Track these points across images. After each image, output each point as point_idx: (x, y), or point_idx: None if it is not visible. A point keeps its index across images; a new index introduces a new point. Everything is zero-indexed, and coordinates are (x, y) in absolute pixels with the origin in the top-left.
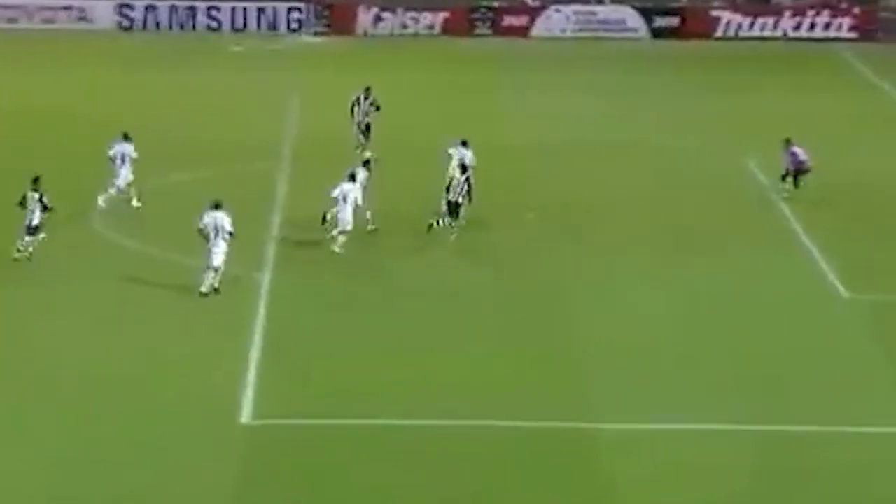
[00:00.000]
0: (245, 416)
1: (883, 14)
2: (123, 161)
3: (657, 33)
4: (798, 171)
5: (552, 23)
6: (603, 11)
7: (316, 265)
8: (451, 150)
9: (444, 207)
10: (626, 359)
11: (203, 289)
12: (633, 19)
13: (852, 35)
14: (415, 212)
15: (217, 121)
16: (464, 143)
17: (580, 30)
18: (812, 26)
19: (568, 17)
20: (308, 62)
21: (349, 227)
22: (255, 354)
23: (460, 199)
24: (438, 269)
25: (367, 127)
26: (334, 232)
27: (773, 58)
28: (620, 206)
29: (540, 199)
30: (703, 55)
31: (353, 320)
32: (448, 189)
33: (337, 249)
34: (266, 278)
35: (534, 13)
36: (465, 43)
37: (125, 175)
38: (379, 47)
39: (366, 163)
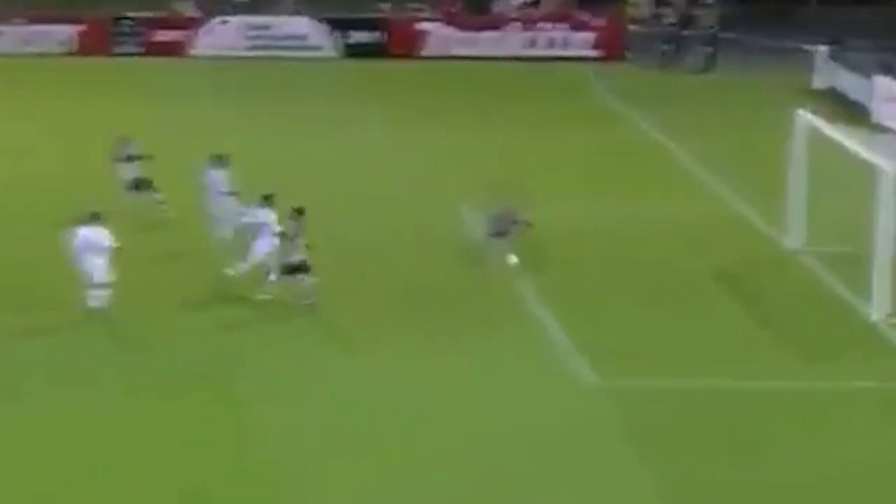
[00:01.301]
0: None
1: (631, 28)
2: None
3: (351, 51)
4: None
5: (218, 38)
6: (280, 24)
7: None
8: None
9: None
10: (336, 467)
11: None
12: (320, 34)
13: (595, 53)
14: None
15: None
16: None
17: (254, 47)
18: (546, 43)
19: (238, 31)
20: None
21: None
22: None
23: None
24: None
25: None
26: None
27: (497, 81)
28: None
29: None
30: (410, 78)
31: None
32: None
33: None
34: None
35: (193, 26)
36: (104, 64)
37: None
38: None
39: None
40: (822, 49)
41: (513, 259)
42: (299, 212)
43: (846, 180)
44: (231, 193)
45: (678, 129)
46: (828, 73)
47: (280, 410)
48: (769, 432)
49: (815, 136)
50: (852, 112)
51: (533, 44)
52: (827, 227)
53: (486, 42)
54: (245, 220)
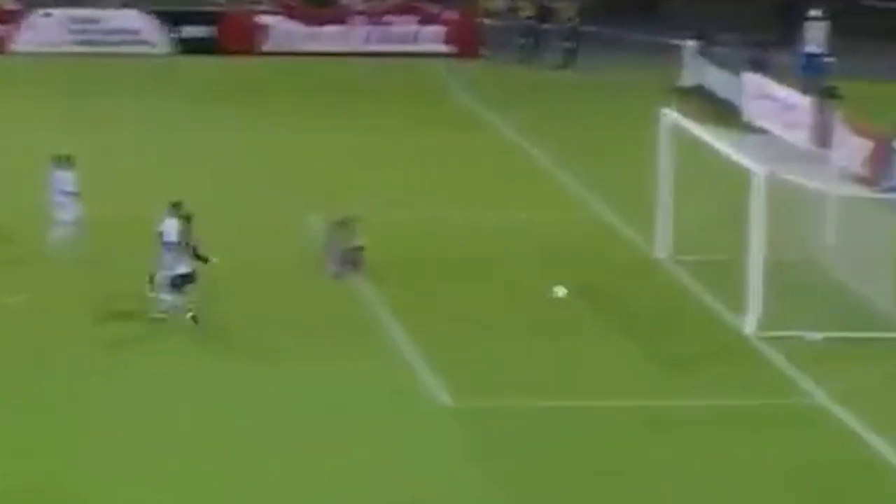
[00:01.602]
0: None
1: (486, 22)
2: None
3: (184, 47)
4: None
5: (40, 33)
6: (109, 18)
7: None
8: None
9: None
10: (173, 485)
11: None
12: (151, 29)
13: (448, 49)
14: None
15: None
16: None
17: (80, 42)
18: (394, 38)
19: (62, 25)
20: None
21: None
22: None
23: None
24: None
25: None
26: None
27: (342, 78)
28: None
29: None
30: (248, 75)
31: None
32: None
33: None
34: None
35: (13, 20)
36: None
37: None
38: None
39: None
40: (690, 44)
41: (561, 291)
42: (187, 218)
43: (716, 184)
44: (72, 194)
45: (538, 131)
46: (695, 69)
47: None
48: (633, 453)
49: (683, 137)
50: (721, 111)
51: (380, 38)
52: (696, 233)
53: (330, 37)
54: (158, 230)
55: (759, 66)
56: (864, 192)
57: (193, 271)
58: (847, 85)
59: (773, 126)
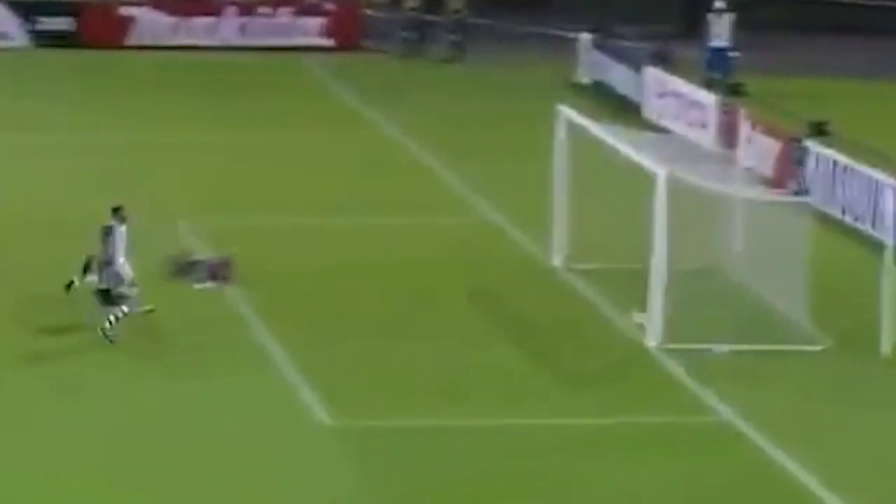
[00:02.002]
0: None
1: (368, 13)
2: None
3: (41, 40)
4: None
5: None
6: None
7: None
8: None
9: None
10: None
11: None
12: (6, 20)
13: (328, 42)
14: None
15: None
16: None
17: None
18: (270, 30)
19: None
20: None
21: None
22: None
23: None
24: None
25: None
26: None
27: (212, 74)
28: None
29: None
30: (111, 71)
31: None
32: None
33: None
34: None
35: None
36: None
37: None
38: None
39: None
40: (585, 37)
41: (639, 317)
42: (107, 232)
43: (615, 186)
44: None
45: (424, 130)
46: (592, 64)
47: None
48: (530, 477)
49: (580, 137)
50: (621, 108)
51: (254, 31)
52: (594, 239)
53: (200, 29)
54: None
55: (661, 61)
56: (771, 194)
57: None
58: (754, 81)
59: (677, 125)
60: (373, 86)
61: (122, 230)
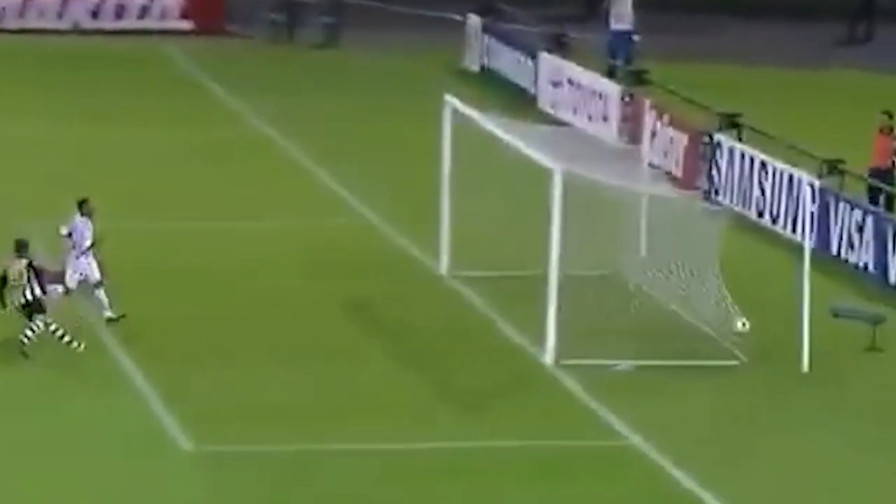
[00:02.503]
0: None
1: None
2: None
3: None
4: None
5: None
6: None
7: None
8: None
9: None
10: None
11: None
12: None
13: (186, 25)
14: None
15: None
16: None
17: None
18: (121, 12)
19: None
20: None
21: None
22: None
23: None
24: None
25: None
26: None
27: (57, 60)
28: None
29: None
30: None
31: None
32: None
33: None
34: None
35: None
36: None
37: None
38: None
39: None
40: (475, 20)
41: (741, 323)
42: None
43: (507, 186)
44: None
45: (295, 123)
46: (481, 49)
47: None
48: (398, 500)
49: (468, 131)
50: (513, 98)
51: (104, 13)
52: (485, 244)
53: (44, 11)
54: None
55: (557, 47)
56: (679, 193)
57: (39, 299)
58: (659, 68)
59: (574, 117)
60: (237, 74)
61: (85, 223)
